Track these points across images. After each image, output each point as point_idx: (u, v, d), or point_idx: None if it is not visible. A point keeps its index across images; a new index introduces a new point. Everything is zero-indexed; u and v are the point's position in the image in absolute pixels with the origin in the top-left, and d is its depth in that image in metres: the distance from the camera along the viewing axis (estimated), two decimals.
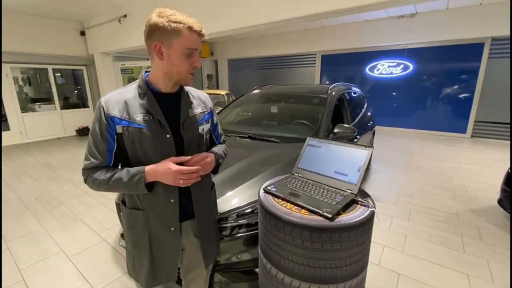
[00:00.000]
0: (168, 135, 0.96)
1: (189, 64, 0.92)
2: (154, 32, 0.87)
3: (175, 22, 0.86)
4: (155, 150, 0.95)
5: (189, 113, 1.03)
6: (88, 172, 0.94)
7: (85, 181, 0.96)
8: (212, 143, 1.21)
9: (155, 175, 0.93)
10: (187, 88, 1.08)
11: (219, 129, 1.24)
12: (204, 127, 1.08)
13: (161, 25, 0.85)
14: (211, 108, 1.15)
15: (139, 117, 0.93)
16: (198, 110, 1.07)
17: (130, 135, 0.93)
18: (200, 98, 1.12)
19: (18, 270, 1.98)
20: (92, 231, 2.49)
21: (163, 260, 1.08)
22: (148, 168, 0.93)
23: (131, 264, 1.13)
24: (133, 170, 0.93)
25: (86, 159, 0.95)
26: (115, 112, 0.92)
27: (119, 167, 1.00)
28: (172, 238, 1.06)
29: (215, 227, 1.24)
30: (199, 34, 0.90)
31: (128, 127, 0.92)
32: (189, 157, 0.97)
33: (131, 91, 0.97)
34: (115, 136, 0.94)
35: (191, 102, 1.05)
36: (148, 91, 0.96)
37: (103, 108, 0.92)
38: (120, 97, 0.94)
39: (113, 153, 0.95)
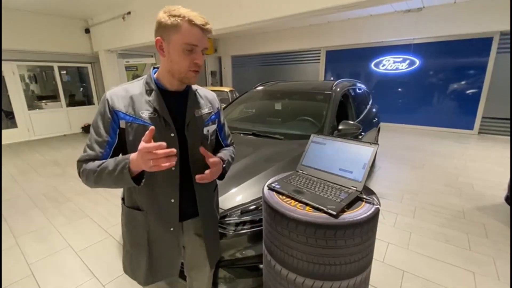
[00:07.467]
0: (172, 134, 0.94)
1: (189, 60, 0.87)
2: (158, 28, 0.87)
3: (174, 16, 0.83)
4: None
5: (195, 114, 1.00)
6: (81, 164, 0.90)
7: (79, 174, 0.91)
8: (218, 144, 1.18)
9: (138, 163, 0.81)
10: (194, 87, 1.05)
11: (226, 130, 1.21)
12: (210, 128, 1.06)
13: (162, 20, 0.84)
14: (218, 108, 1.12)
15: (144, 113, 0.91)
16: (204, 110, 1.04)
17: (133, 131, 0.91)
18: (207, 98, 1.09)
19: (27, 265, 2.02)
20: (99, 227, 2.53)
21: (161, 259, 1.07)
22: (133, 154, 0.81)
23: (128, 262, 1.12)
24: (119, 157, 0.86)
25: (84, 151, 0.91)
26: (120, 106, 0.90)
27: None
28: (172, 238, 1.05)
29: (216, 227, 1.23)
30: (202, 28, 0.85)
31: (132, 122, 0.90)
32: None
33: (137, 87, 0.95)
34: (118, 131, 0.91)
35: (198, 102, 1.03)
36: (156, 88, 0.94)
37: (108, 102, 0.90)
38: (126, 93, 0.93)
39: (112, 148, 0.92)
